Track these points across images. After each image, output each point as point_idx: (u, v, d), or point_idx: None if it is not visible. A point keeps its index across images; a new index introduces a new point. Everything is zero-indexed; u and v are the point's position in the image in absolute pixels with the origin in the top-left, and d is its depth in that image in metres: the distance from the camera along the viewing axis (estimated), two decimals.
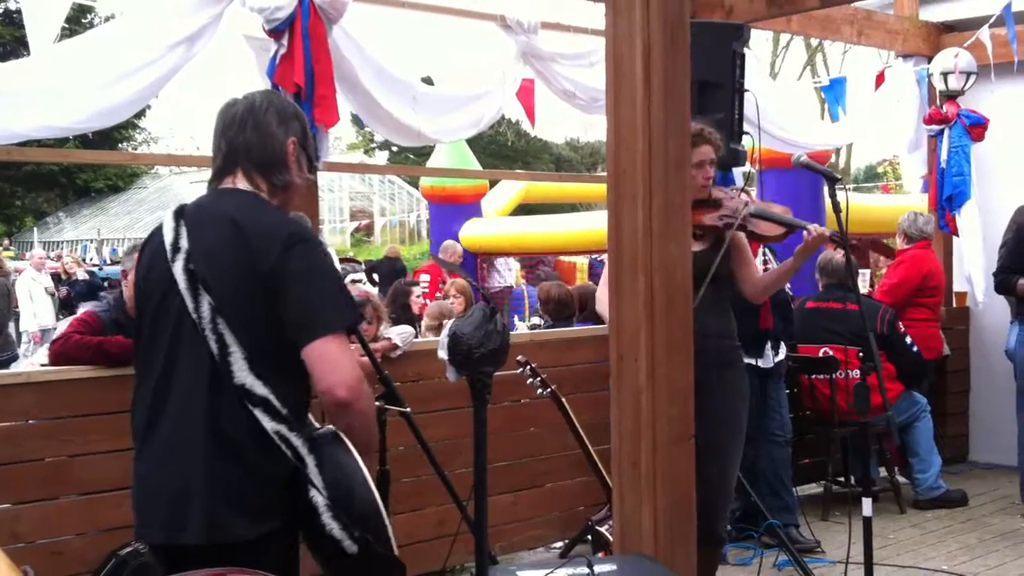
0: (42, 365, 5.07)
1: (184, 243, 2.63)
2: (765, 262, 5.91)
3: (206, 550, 2.51)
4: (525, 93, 6.64)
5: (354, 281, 9.93)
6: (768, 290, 4.79)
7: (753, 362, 5.85)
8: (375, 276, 16.07)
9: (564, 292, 7.76)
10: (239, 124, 2.75)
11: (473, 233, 16.19)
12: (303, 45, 4.84)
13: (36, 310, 16.20)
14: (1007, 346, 6.69)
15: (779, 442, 6.08)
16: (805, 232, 4.40)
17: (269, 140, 2.75)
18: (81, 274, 19.18)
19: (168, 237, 2.66)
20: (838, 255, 6.82)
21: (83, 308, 4.99)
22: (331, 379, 2.52)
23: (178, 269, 2.61)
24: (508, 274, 16.85)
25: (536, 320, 11.13)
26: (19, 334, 15.83)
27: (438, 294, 9.33)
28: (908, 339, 6.67)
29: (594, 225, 14.45)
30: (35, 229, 36.30)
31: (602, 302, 4.58)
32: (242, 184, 2.74)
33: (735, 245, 4.44)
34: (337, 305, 2.61)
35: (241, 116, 2.76)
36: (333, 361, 2.53)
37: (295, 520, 2.59)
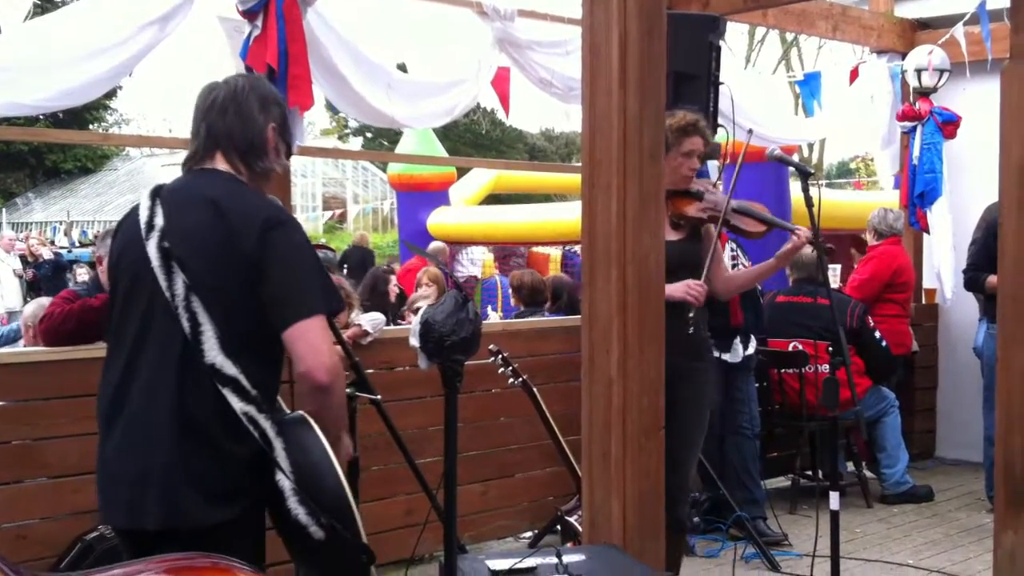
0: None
1: (159, 221, 2.62)
2: (734, 257, 5.91)
3: (170, 534, 2.49)
4: (500, 81, 6.62)
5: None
6: (739, 289, 4.80)
7: (720, 356, 5.87)
8: (344, 267, 16.01)
9: (537, 279, 7.79)
10: (220, 108, 2.74)
11: (441, 222, 16.09)
12: (277, 26, 4.80)
13: (3, 292, 16.05)
14: (975, 343, 6.74)
15: (747, 435, 6.10)
16: (794, 236, 4.40)
17: (250, 125, 2.74)
18: (47, 254, 19.00)
19: (143, 216, 2.65)
20: (808, 249, 6.84)
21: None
22: (311, 361, 2.52)
23: (151, 247, 2.59)
24: (471, 266, 16.76)
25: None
26: None
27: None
28: (877, 334, 6.71)
29: (565, 216, 14.43)
30: (3, 210, 35.90)
31: None
32: (221, 166, 2.73)
33: (710, 240, 4.44)
34: (319, 288, 2.61)
35: (223, 100, 2.75)
36: (313, 343, 2.53)
37: (262, 506, 2.57)
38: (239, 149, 2.73)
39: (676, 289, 4.10)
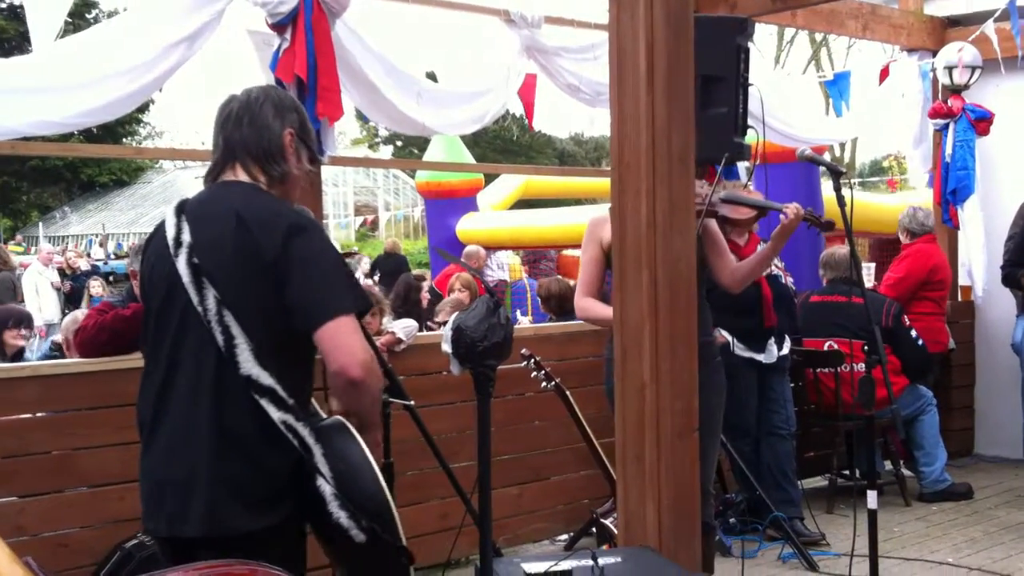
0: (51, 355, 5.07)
1: (186, 237, 2.64)
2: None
3: (210, 542, 2.52)
4: (527, 89, 6.64)
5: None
6: (747, 278, 4.72)
7: (755, 357, 5.86)
8: (375, 275, 16.07)
9: (564, 286, 7.77)
10: (235, 119, 2.77)
11: (470, 228, 16.11)
12: (306, 38, 4.85)
13: (41, 304, 16.21)
14: (1013, 339, 6.69)
15: (783, 436, 6.08)
16: (782, 215, 4.40)
17: (265, 132, 2.76)
18: (84, 267, 19.20)
19: (170, 232, 2.67)
20: (841, 249, 6.83)
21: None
22: (344, 359, 2.54)
23: (181, 263, 2.61)
24: (499, 271, 16.77)
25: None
26: None
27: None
28: (913, 333, 6.67)
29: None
30: (40, 224, 36.32)
31: (583, 310, 4.57)
32: (241, 176, 2.76)
33: (707, 233, 4.42)
34: (344, 288, 2.63)
35: (237, 112, 2.78)
36: (345, 341, 2.55)
37: (302, 511, 2.60)
38: (255, 157, 2.75)
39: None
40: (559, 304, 7.51)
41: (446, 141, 15.06)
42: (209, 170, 2.82)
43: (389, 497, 2.58)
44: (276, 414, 2.53)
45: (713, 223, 4.46)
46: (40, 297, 16.30)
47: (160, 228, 2.75)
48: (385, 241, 21.07)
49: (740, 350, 5.83)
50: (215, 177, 2.79)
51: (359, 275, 15.13)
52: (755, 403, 5.94)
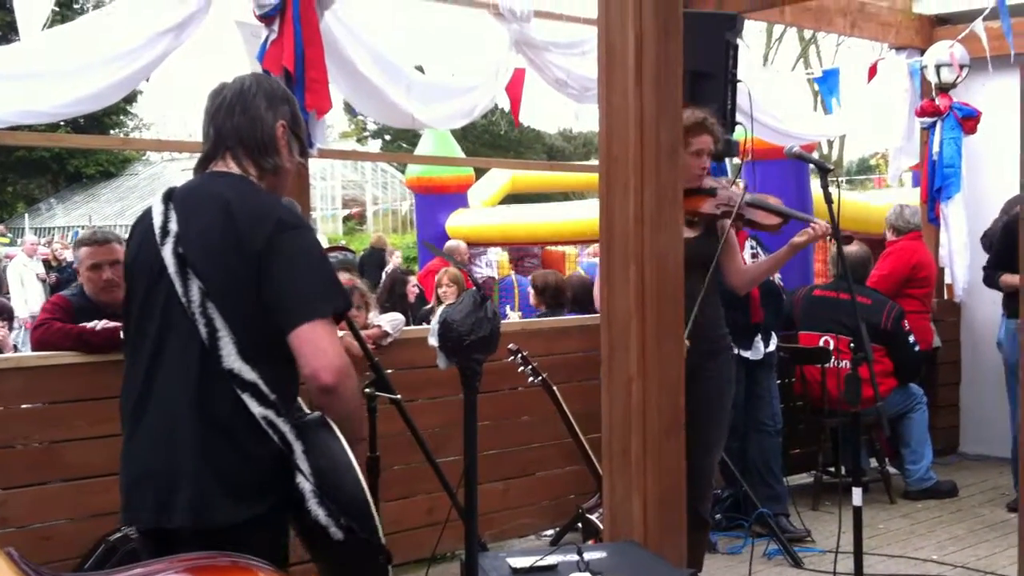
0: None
1: (173, 226, 2.62)
2: (754, 254, 5.91)
3: (194, 533, 2.50)
4: (513, 85, 6.63)
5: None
6: (755, 280, 4.80)
7: (741, 353, 5.87)
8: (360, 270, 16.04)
9: (561, 280, 7.77)
10: (227, 108, 2.74)
11: (459, 224, 16.10)
12: (294, 30, 4.83)
13: (27, 296, 16.16)
14: (998, 338, 6.71)
15: (769, 432, 6.09)
16: (811, 227, 4.43)
17: (258, 124, 2.73)
18: (70, 257, 19.11)
19: (157, 220, 2.65)
20: (854, 248, 6.86)
21: None
22: (316, 363, 2.50)
23: (167, 252, 2.59)
24: (487, 269, 16.77)
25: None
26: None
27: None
28: (912, 338, 6.69)
29: (583, 215, 14.39)
30: (26, 215, 36.13)
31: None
32: (232, 167, 2.73)
33: (723, 235, 4.45)
34: (324, 290, 2.60)
35: (230, 100, 2.75)
36: (318, 346, 2.51)
37: (284, 506, 2.59)
38: (248, 148, 2.73)
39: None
40: (554, 296, 7.50)
41: (437, 136, 15.03)
42: (200, 160, 2.79)
43: (368, 496, 2.55)
44: (257, 409, 2.52)
45: (726, 224, 4.46)
46: (25, 289, 16.25)
47: (147, 215, 2.72)
48: (373, 238, 21.03)
49: None
50: (206, 167, 2.77)
51: (390, 267, 15.08)
52: (741, 399, 5.95)
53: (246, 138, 2.72)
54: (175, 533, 2.53)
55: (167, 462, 2.55)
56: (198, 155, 2.83)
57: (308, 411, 2.72)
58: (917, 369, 6.92)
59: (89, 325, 4.43)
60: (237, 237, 2.56)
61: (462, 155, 18.09)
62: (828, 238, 4.53)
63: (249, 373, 2.53)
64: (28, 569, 1.84)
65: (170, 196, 2.71)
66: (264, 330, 2.56)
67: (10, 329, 7.67)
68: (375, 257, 17.12)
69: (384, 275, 13.81)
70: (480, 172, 18.80)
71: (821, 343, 6.63)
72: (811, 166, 5.03)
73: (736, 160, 5.98)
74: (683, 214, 4.13)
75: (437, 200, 16.40)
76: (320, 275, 2.61)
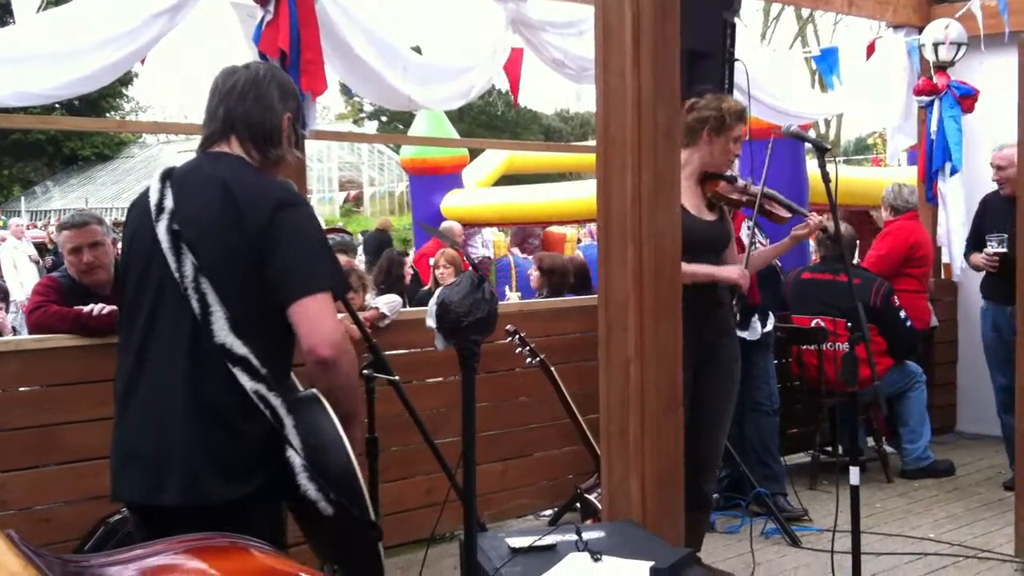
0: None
1: (168, 203, 2.65)
2: (751, 238, 5.93)
3: (188, 511, 2.52)
4: (512, 64, 6.60)
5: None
6: (758, 267, 4.91)
7: (738, 334, 5.87)
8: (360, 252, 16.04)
9: (563, 261, 7.77)
10: (240, 93, 2.77)
11: (454, 204, 16.04)
12: (289, 11, 4.80)
13: (22, 279, 16.14)
14: (982, 331, 6.74)
15: (766, 412, 6.10)
16: (809, 221, 4.66)
17: (269, 113, 2.78)
18: None
19: (153, 198, 2.68)
20: (841, 226, 6.85)
21: None
22: (314, 338, 2.54)
23: (161, 229, 2.62)
24: (483, 249, 16.74)
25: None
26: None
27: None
28: (902, 313, 6.67)
29: (580, 195, 14.36)
30: (23, 198, 36.10)
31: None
32: (234, 150, 2.76)
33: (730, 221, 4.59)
34: (323, 266, 2.63)
35: (243, 85, 2.78)
36: (317, 320, 2.55)
37: (277, 482, 2.59)
38: (255, 136, 2.76)
39: (731, 272, 4.34)
40: (559, 278, 7.50)
41: (431, 117, 14.97)
42: (204, 138, 2.81)
43: (358, 471, 2.57)
44: (248, 383, 2.54)
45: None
46: (19, 271, 16.21)
47: (144, 194, 2.75)
48: (372, 218, 21.01)
49: None
50: (208, 147, 2.79)
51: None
52: (739, 379, 5.95)
53: (255, 125, 2.76)
54: (167, 510, 2.55)
55: (159, 440, 2.57)
56: (194, 137, 2.85)
57: (302, 389, 2.73)
58: (912, 346, 6.91)
59: (86, 309, 4.43)
60: (238, 214, 2.58)
61: (457, 136, 18.03)
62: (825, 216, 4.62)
63: (240, 347, 2.55)
64: (28, 551, 1.84)
65: (168, 175, 2.74)
66: (257, 306, 2.58)
67: (7, 311, 7.66)
68: (376, 239, 17.12)
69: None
70: (474, 153, 18.74)
71: (812, 326, 6.63)
72: (808, 145, 5.06)
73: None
74: (702, 196, 4.27)
75: (432, 181, 16.34)
76: (318, 252, 2.65)
